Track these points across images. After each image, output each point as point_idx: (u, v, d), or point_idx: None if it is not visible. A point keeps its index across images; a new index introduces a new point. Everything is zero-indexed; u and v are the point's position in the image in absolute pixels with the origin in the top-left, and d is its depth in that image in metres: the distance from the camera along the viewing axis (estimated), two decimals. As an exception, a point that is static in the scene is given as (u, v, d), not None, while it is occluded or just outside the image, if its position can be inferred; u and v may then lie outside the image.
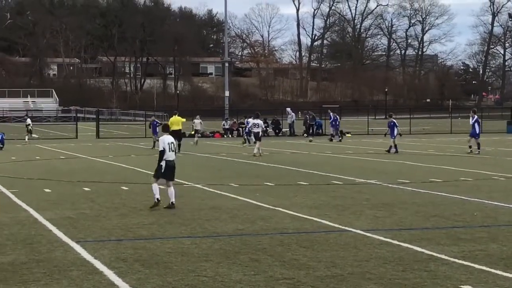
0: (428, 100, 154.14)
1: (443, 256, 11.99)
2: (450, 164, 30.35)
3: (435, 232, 14.29)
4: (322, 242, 13.23)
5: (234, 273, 10.95)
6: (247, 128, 45.59)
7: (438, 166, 29.61)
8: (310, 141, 51.98)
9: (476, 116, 37.69)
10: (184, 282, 10.45)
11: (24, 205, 18.38)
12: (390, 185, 22.44)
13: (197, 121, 50.58)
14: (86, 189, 21.94)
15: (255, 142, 37.58)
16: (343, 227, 14.80)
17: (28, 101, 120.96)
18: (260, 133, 37.51)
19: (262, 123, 38.01)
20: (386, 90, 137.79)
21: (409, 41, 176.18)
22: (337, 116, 53.19)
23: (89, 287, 10.24)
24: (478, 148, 36.61)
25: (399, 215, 16.36)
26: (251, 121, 37.83)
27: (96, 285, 10.31)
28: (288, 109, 64.74)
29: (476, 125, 37.11)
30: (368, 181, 23.73)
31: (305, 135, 59.79)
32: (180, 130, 40.18)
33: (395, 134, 37.53)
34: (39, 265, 11.55)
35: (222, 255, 12.22)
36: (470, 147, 36.89)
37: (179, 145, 39.09)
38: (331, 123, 53.61)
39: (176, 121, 40.01)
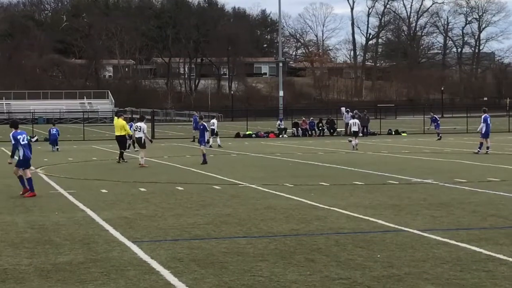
0: (485, 98, 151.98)
1: (501, 256, 11.81)
2: (509, 163, 29.91)
3: (494, 231, 14.09)
4: (378, 242, 13.12)
5: (289, 273, 10.92)
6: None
7: (496, 165, 29.21)
8: (350, 141, 50.83)
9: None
10: (240, 282, 10.45)
11: (81, 206, 18.57)
12: (446, 185, 22.19)
13: (213, 121, 48.12)
14: (142, 189, 22.09)
15: (139, 148, 32.61)
16: (399, 227, 14.66)
17: (84, 103, 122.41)
18: (143, 139, 31.87)
19: (146, 127, 32.18)
20: (442, 89, 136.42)
21: (465, 39, 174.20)
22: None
23: (146, 286, 10.29)
24: (480, 148, 36.25)
25: (456, 215, 16.16)
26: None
27: (153, 285, 10.36)
28: (343, 109, 64.46)
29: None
30: (425, 180, 23.50)
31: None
32: (122, 136, 33.76)
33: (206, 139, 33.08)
34: (97, 265, 11.64)
35: (277, 255, 12.19)
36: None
37: (121, 154, 33.46)
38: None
39: (118, 126, 33.69)
